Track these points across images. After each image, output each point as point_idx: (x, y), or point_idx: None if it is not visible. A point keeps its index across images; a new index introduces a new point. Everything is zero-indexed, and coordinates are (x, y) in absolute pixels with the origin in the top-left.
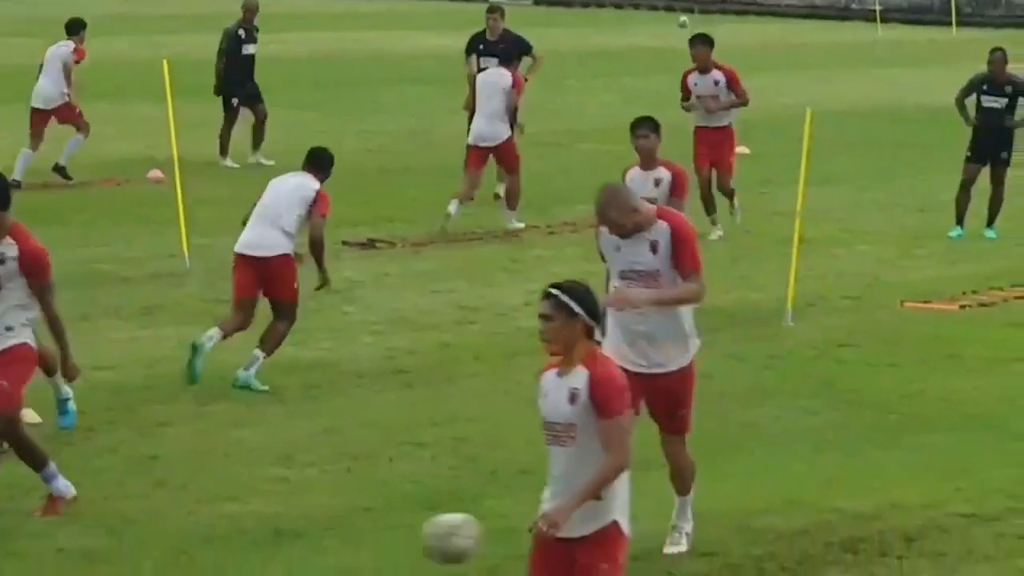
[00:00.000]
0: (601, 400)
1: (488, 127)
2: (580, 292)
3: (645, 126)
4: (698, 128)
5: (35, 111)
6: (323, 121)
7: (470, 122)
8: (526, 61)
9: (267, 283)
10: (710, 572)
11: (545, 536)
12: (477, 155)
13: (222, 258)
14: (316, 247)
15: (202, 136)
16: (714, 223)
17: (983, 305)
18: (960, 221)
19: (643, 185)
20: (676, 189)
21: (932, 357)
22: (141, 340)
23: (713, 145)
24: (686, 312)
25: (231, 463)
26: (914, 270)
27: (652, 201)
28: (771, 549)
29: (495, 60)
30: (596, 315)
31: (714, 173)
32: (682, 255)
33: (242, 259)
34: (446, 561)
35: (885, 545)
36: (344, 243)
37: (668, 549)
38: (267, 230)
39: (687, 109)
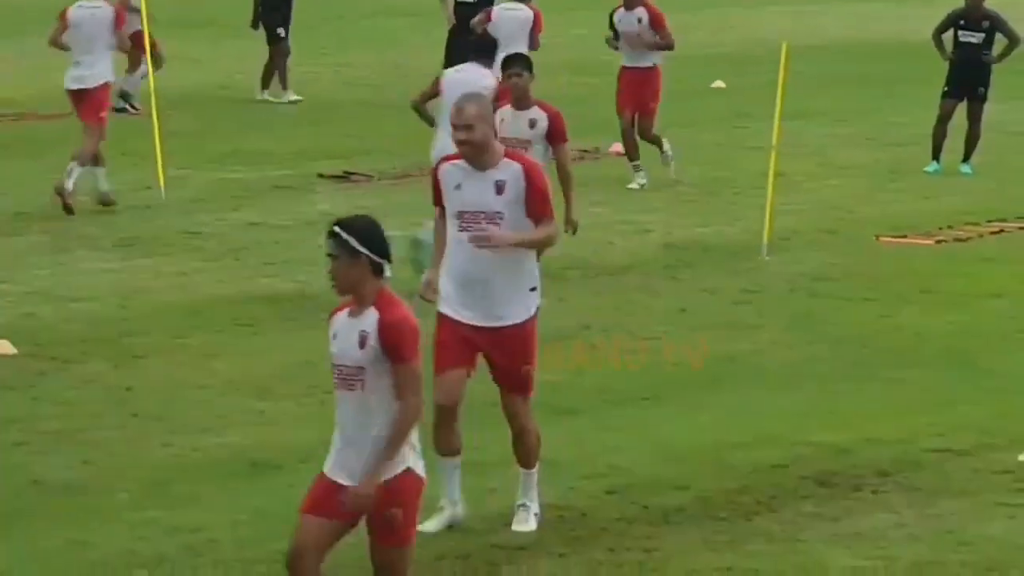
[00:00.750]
0: (391, 344)
1: None
2: (363, 228)
3: (517, 63)
4: (623, 68)
5: None
6: (299, 55)
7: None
8: None
9: None
10: (684, 505)
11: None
12: None
13: (198, 189)
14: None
15: (178, 68)
16: (637, 169)
17: (958, 240)
18: (936, 156)
19: (517, 126)
20: (555, 134)
21: (907, 291)
22: (117, 272)
23: (636, 86)
24: (531, 263)
25: (207, 395)
26: (890, 204)
27: (526, 143)
28: (745, 483)
29: None
30: (383, 252)
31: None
32: (534, 198)
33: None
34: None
35: (859, 479)
36: (320, 176)
37: (516, 527)
38: None
39: (611, 47)
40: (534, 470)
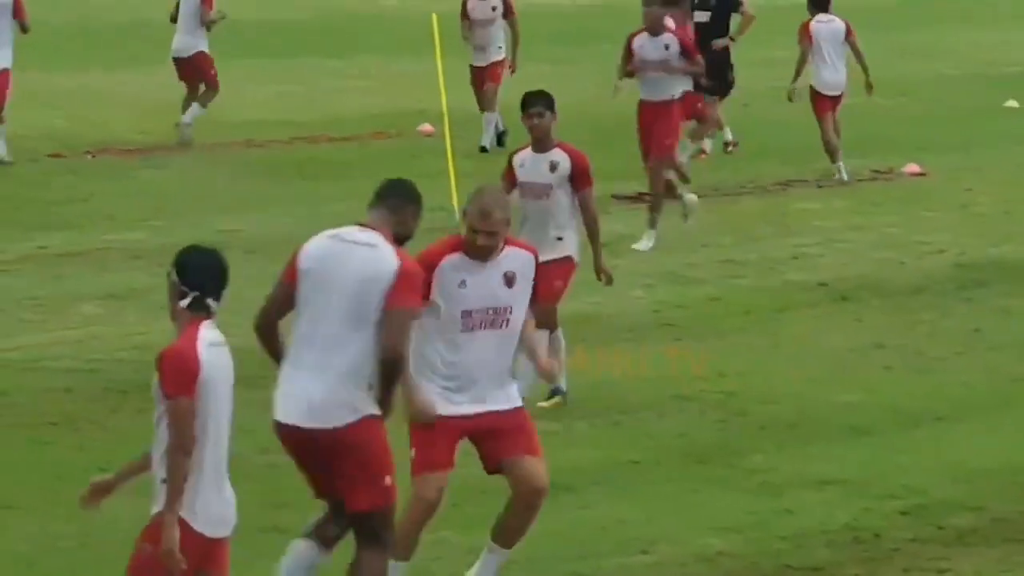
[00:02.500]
0: (161, 379)
1: None
2: (183, 254)
3: (539, 102)
4: (642, 102)
5: (175, 60)
6: (575, 73)
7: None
8: (735, 18)
9: None
10: (978, 527)
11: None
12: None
13: None
14: None
15: (465, 90)
16: (652, 224)
17: None
18: None
19: (537, 170)
20: (578, 177)
21: None
22: None
23: (654, 120)
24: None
25: None
26: None
27: (547, 187)
28: None
29: (707, 15)
30: (192, 282)
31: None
32: (537, 287)
33: None
34: None
35: None
36: (613, 197)
37: None
38: None
39: (628, 75)
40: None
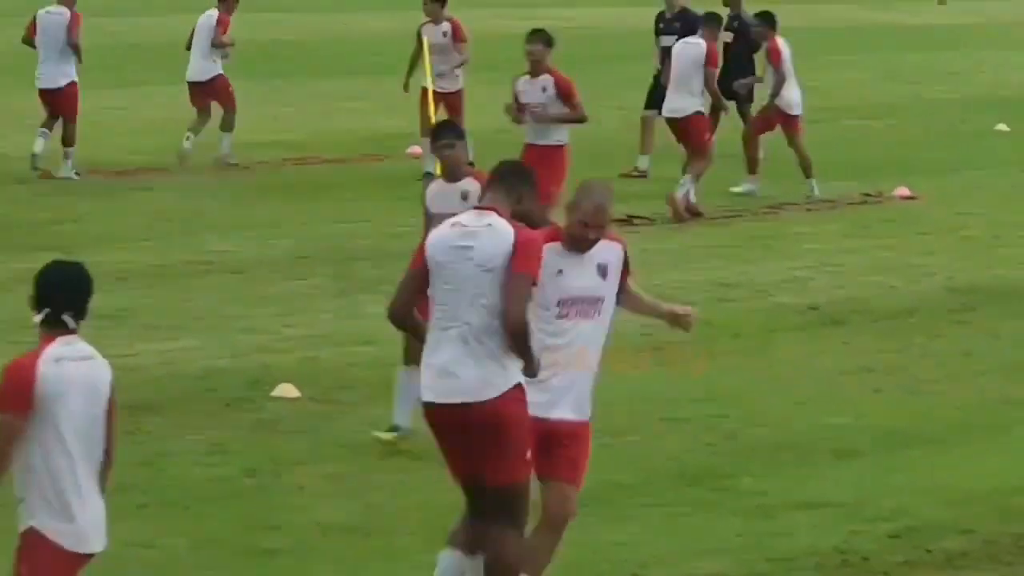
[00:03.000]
0: None
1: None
2: (41, 271)
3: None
4: (527, 145)
5: (191, 85)
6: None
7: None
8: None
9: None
10: (968, 550)
11: None
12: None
13: None
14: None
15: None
16: None
17: None
18: None
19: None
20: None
21: None
22: None
23: (538, 167)
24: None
25: None
26: None
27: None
28: None
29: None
30: (40, 297)
31: None
32: (626, 276)
33: None
34: None
35: None
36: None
37: None
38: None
39: (513, 119)
40: None
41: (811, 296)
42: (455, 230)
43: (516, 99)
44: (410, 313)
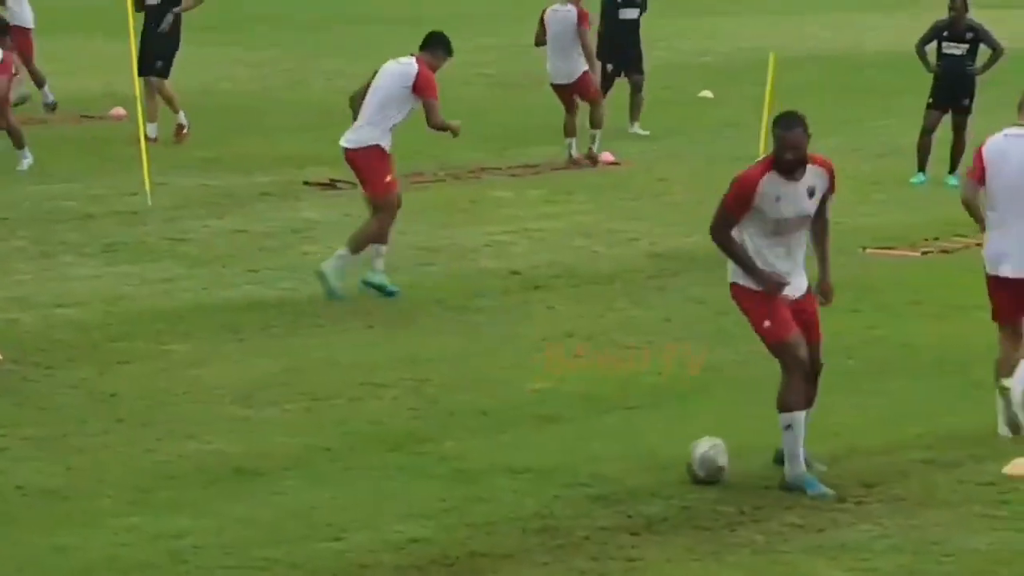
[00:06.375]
0: None
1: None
2: None
3: None
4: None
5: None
6: (288, 59)
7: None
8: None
9: None
10: (667, 515)
11: None
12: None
13: (182, 196)
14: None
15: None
16: None
17: (944, 251)
18: (922, 167)
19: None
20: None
21: (893, 303)
22: (103, 277)
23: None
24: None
25: (191, 401)
26: (875, 215)
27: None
28: (729, 493)
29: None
30: None
31: None
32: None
33: None
34: (708, 475)
35: (844, 490)
36: (305, 183)
37: None
38: None
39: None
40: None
41: (513, 261)
42: None
43: None
44: (731, 237)
